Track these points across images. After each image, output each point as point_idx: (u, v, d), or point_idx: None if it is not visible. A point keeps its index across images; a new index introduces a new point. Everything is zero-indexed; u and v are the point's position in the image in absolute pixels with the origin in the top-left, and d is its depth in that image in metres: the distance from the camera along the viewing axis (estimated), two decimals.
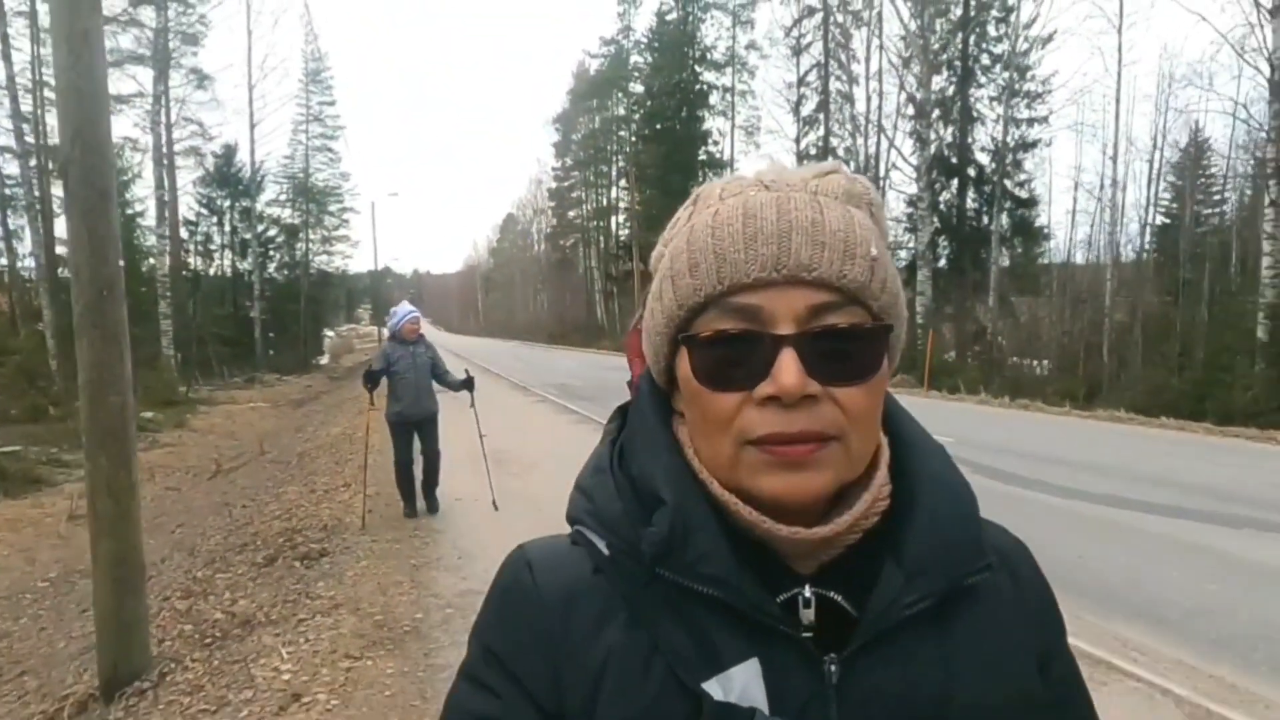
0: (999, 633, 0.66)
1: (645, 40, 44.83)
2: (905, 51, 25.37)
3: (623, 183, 49.78)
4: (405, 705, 3.58)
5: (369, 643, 4.25)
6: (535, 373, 24.80)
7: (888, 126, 27.95)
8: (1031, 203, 26.02)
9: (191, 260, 32.42)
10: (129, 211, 24.64)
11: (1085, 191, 29.64)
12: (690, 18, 41.71)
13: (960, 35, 25.07)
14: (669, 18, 42.26)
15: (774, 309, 0.59)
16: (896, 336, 0.65)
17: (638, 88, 46.20)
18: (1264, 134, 17.56)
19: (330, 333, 48.89)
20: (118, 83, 25.30)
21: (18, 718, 4.45)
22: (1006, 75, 24.86)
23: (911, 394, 16.99)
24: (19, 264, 23.52)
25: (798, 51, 31.94)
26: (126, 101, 26.17)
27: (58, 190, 23.07)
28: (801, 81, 31.94)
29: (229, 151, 32.55)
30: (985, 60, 25.62)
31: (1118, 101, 24.70)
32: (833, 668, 0.60)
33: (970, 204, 26.03)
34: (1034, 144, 25.43)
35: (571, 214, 59.96)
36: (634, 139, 46.09)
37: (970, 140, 25.73)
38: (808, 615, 0.62)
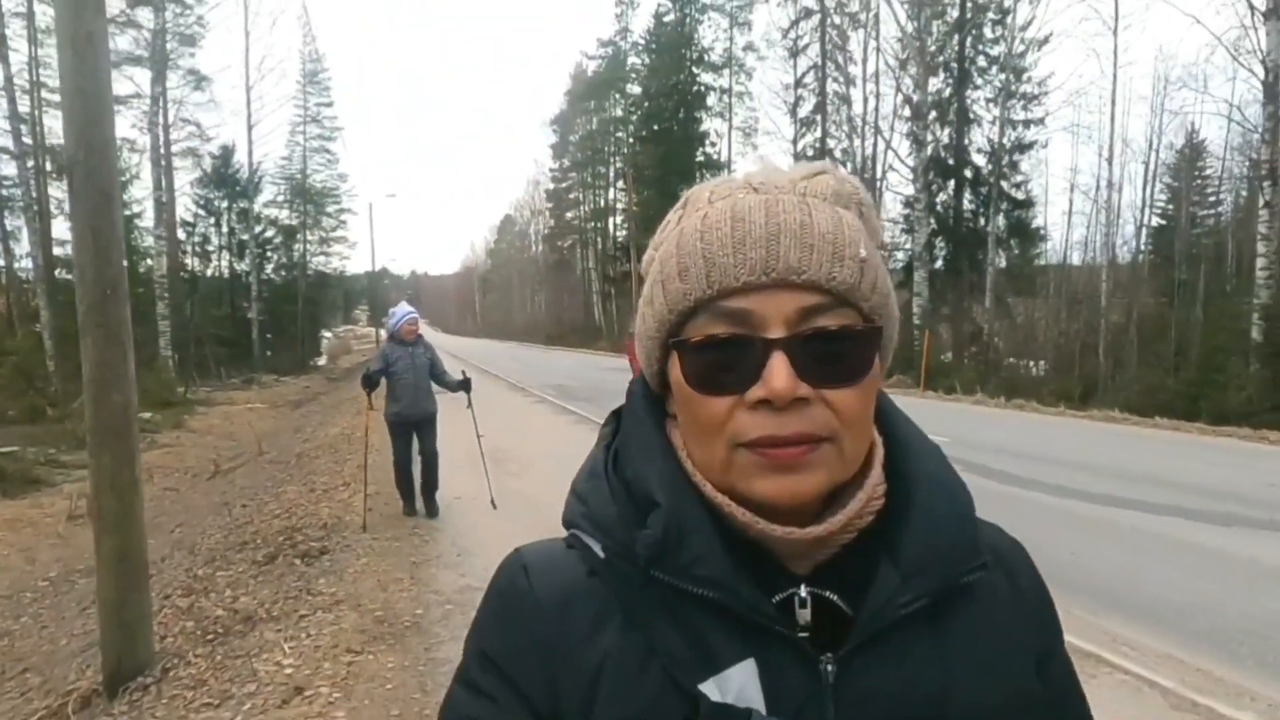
0: (995, 631, 0.66)
1: (643, 42, 44.95)
2: (902, 53, 25.47)
3: (620, 184, 49.86)
4: (406, 698, 3.63)
5: (370, 638, 4.31)
6: (533, 374, 24.84)
7: (885, 128, 28.08)
8: (1028, 204, 26.09)
9: (189, 261, 32.38)
10: (127, 213, 24.65)
11: (1081, 193, 29.84)
12: (688, 19, 41.81)
13: (957, 37, 25.12)
14: (666, 19, 42.36)
15: (764, 312, 0.60)
16: (888, 337, 0.66)
17: (635, 89, 46.29)
18: (1258, 136, 17.66)
19: (328, 334, 48.86)
20: (115, 84, 24.95)
21: (21, 714, 4.49)
22: (1003, 77, 24.92)
23: (908, 394, 17.07)
24: (16, 265, 23.52)
25: (795, 53, 32.03)
26: (124, 102, 26.17)
27: (55, 191, 23.11)
28: (799, 83, 32.03)
29: (226, 152, 32.54)
30: (982, 62, 25.68)
31: (1113, 103, 24.91)
32: (829, 667, 0.61)
33: (967, 205, 26.08)
34: (1030, 145, 25.51)
35: (569, 215, 60.03)
36: (631, 140, 46.15)
37: (967, 142, 25.78)
38: (804, 615, 0.62)
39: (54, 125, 23.54)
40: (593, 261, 54.40)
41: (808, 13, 31.15)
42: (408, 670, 3.93)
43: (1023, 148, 25.46)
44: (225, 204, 33.05)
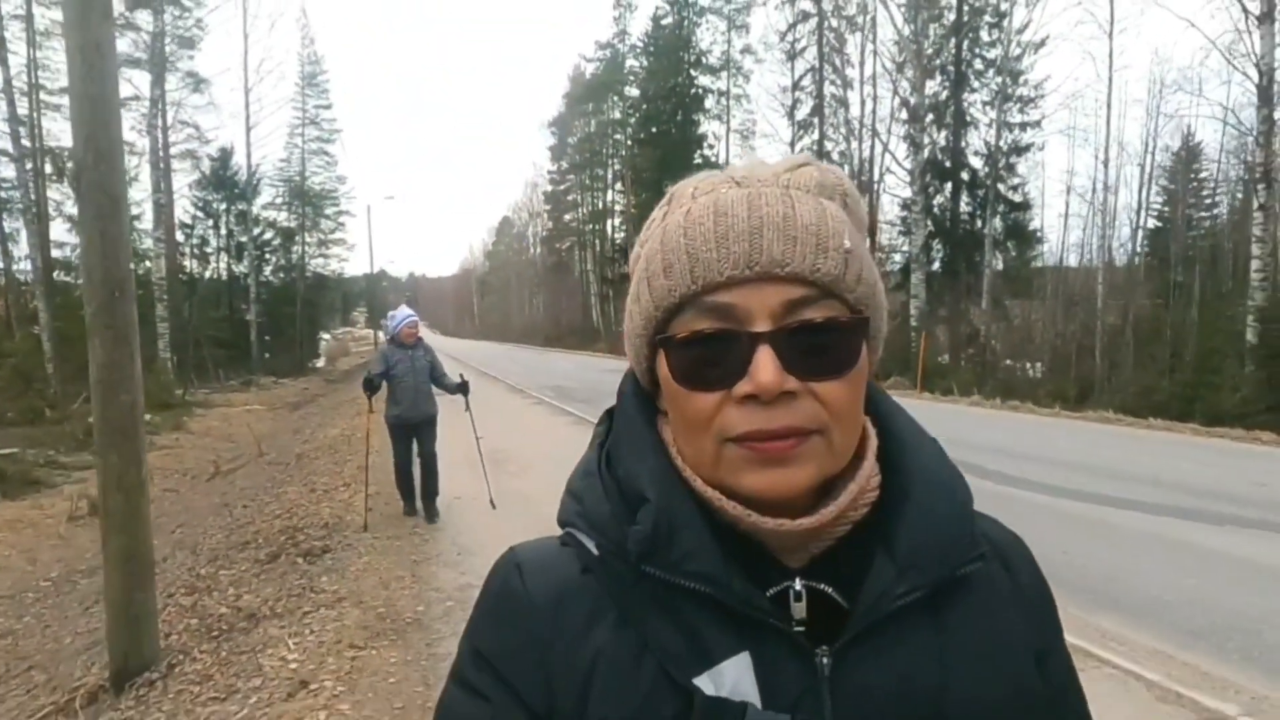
0: (993, 623, 0.66)
1: (641, 44, 45.09)
2: (899, 56, 25.59)
3: (618, 186, 49.97)
4: (409, 692, 3.71)
5: (372, 634, 4.39)
6: (531, 375, 24.90)
7: (882, 130, 28.17)
8: (1025, 206, 26.21)
9: (187, 263, 32.38)
10: None
11: (1077, 196, 29.96)
12: (685, 22, 41.92)
13: (953, 40, 25.23)
14: (664, 22, 42.49)
15: (749, 306, 0.59)
16: (875, 327, 0.65)
17: (633, 91, 46.41)
18: (1252, 139, 17.77)
19: (326, 336, 48.82)
20: None
21: (28, 710, 4.55)
22: (999, 80, 25.02)
23: (905, 395, 17.15)
24: (15, 267, 23.53)
25: (792, 56, 32.15)
26: (123, 105, 25.86)
27: (54, 193, 23.17)
28: (796, 86, 32.15)
29: (225, 155, 32.55)
30: (978, 65, 25.79)
31: (1109, 106, 24.98)
32: (825, 660, 0.60)
33: (964, 207, 26.18)
34: (1027, 148, 25.62)
35: (567, 217, 60.11)
36: (629, 142, 46.28)
37: (964, 144, 25.88)
38: (799, 609, 0.61)
39: (52, 127, 23.63)
40: (591, 263, 54.47)
41: (805, 16, 31.30)
42: (410, 665, 4.00)
43: (1019, 150, 25.59)
44: (224, 206, 33.06)
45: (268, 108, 61.18)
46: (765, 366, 0.58)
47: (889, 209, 27.89)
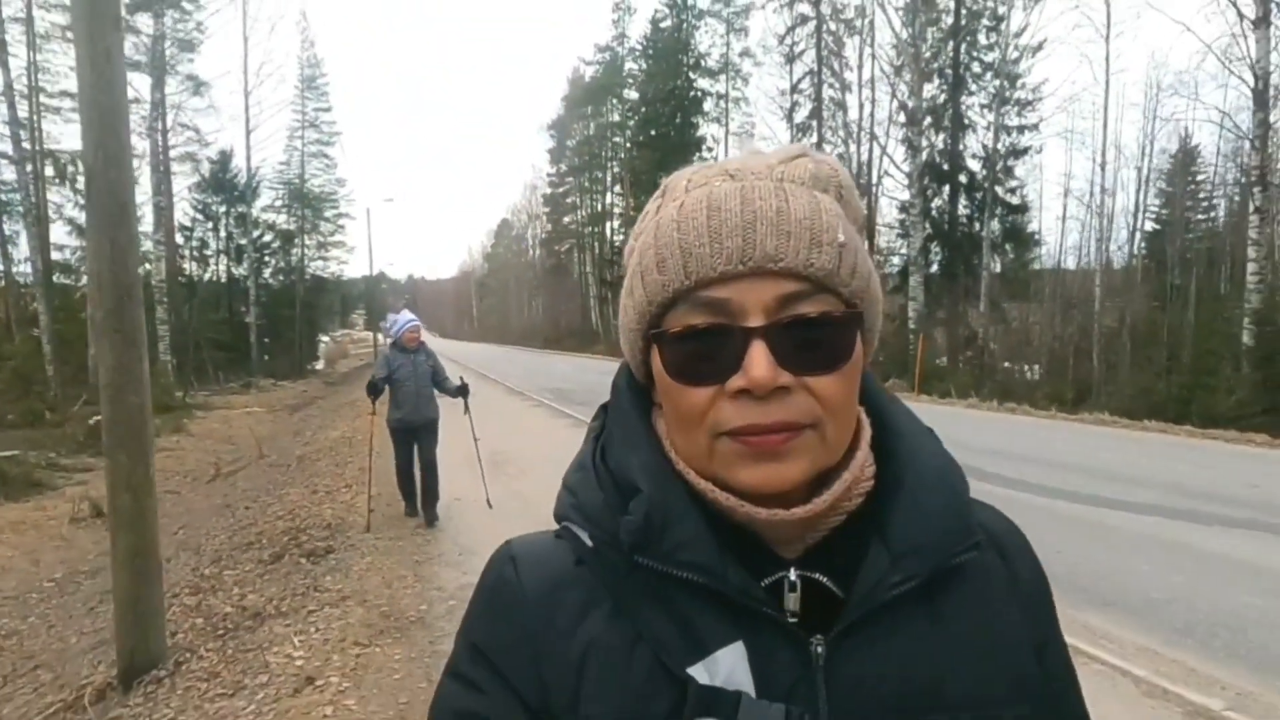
0: (990, 612, 0.65)
1: (640, 47, 45.26)
2: (897, 59, 25.70)
3: (617, 188, 50.09)
4: (413, 687, 3.79)
5: (377, 631, 4.47)
6: (531, 377, 24.97)
7: (880, 133, 28.35)
8: (1022, 209, 26.29)
9: (187, 266, 32.44)
10: None
11: (1075, 198, 30.08)
12: (685, 25, 42.08)
13: (951, 44, 25.34)
14: (663, 25, 42.65)
15: (742, 301, 0.59)
16: (870, 320, 0.65)
17: (632, 94, 46.53)
18: (1248, 142, 17.86)
19: (325, 338, 48.88)
20: None
21: (37, 708, 4.62)
22: (997, 83, 25.13)
23: (902, 398, 17.15)
24: (15, 269, 23.58)
25: (791, 59, 32.27)
26: None
27: (54, 196, 23.24)
28: (795, 89, 32.28)
29: (225, 157, 32.60)
30: (976, 68, 25.89)
31: (1106, 109, 25.09)
32: (819, 649, 0.60)
33: (962, 210, 26.26)
34: (1025, 151, 25.73)
35: (566, 219, 60.23)
36: (629, 145, 46.42)
37: (961, 147, 25.98)
38: (793, 599, 0.62)
39: (52, 130, 23.74)
40: (590, 266, 54.57)
41: (803, 19, 31.42)
42: (414, 662, 4.08)
43: (1017, 153, 25.68)
44: (223, 209, 33.11)
45: (267, 110, 61.20)
46: (759, 361, 0.58)
47: (887, 212, 28.05)
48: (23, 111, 22.32)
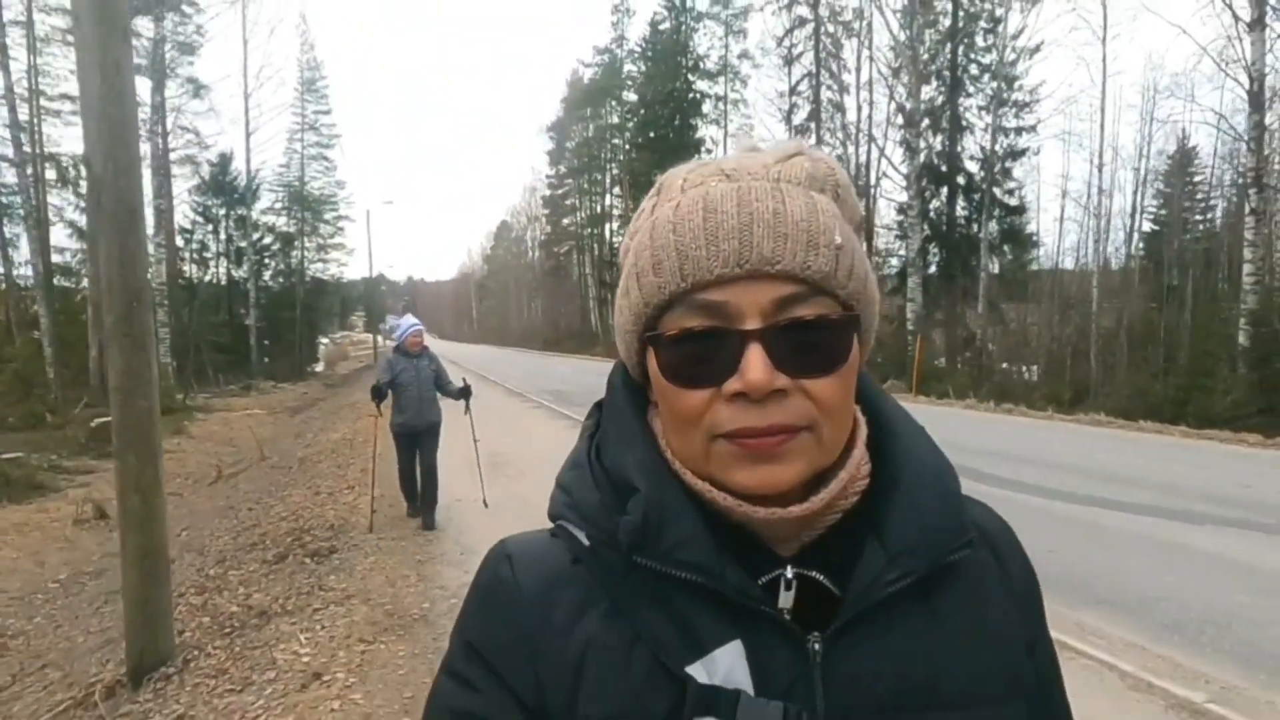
0: (984, 609, 0.66)
1: (639, 49, 45.40)
2: (895, 62, 25.78)
3: (616, 190, 50.21)
4: (418, 682, 3.88)
5: (381, 629, 4.56)
6: (530, 379, 25.04)
7: (878, 135, 28.47)
8: (1020, 210, 26.38)
9: (187, 268, 32.45)
10: None
11: (1073, 200, 30.17)
12: (683, 27, 42.20)
13: (949, 46, 25.44)
14: (662, 27, 42.77)
15: (739, 304, 0.59)
16: (867, 321, 0.65)
17: (631, 96, 46.64)
18: (1244, 144, 17.94)
19: (325, 340, 48.92)
20: None
21: (47, 705, 4.69)
22: (994, 85, 25.23)
23: (899, 399, 17.17)
24: (15, 272, 23.62)
25: (789, 61, 32.38)
26: None
27: (54, 199, 23.27)
28: (793, 91, 32.39)
29: (224, 160, 32.58)
30: (974, 70, 25.99)
31: (1103, 111, 25.24)
32: (816, 646, 0.61)
33: (960, 211, 26.35)
34: (1022, 152, 25.81)
35: (566, 221, 60.32)
36: (628, 147, 46.52)
37: (959, 149, 26.07)
38: (789, 597, 0.62)
39: (52, 133, 23.73)
40: (589, 267, 54.66)
41: (802, 21, 31.52)
42: (418, 658, 4.17)
43: (1015, 155, 25.77)
44: (223, 211, 33.11)
45: (267, 113, 61.51)
46: (755, 364, 0.58)
47: (885, 213, 28.13)
48: (23, 115, 22.41)
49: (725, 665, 0.59)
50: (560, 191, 60.81)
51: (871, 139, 28.74)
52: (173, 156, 29.29)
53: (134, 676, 4.37)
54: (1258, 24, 16.35)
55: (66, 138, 24.34)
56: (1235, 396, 15.16)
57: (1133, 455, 10.27)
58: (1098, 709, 3.51)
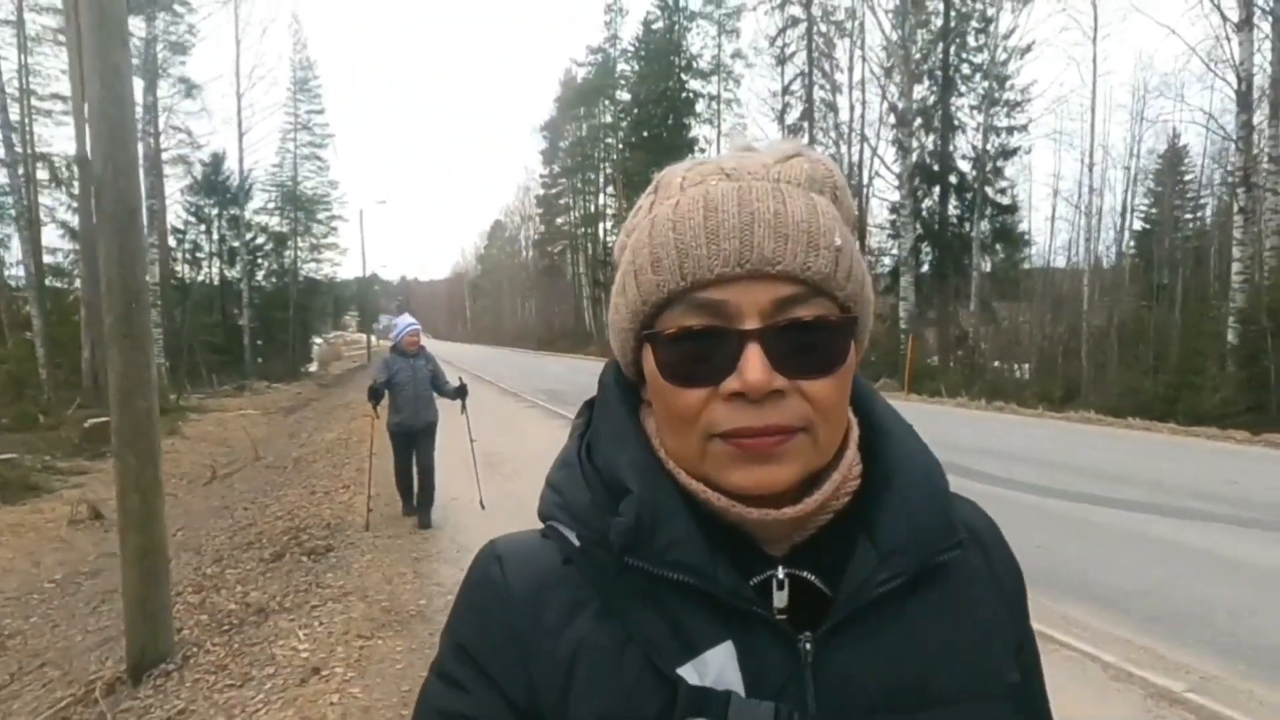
0: (974, 608, 0.66)
1: (632, 49, 45.47)
2: (887, 61, 25.95)
3: (610, 190, 50.23)
4: (415, 677, 3.94)
5: (378, 625, 4.63)
6: (525, 379, 25.08)
7: (870, 135, 28.56)
8: (1012, 209, 26.53)
9: (180, 268, 32.41)
10: None
11: (1064, 199, 30.32)
12: (676, 27, 42.31)
13: (941, 45, 25.57)
14: (655, 27, 42.88)
15: (738, 303, 0.59)
16: (863, 322, 0.65)
17: (624, 95, 46.76)
18: (1233, 143, 18.09)
19: (318, 340, 48.88)
20: None
21: (47, 703, 4.74)
22: (986, 85, 25.37)
23: (892, 397, 17.38)
24: (7, 273, 23.56)
25: (782, 61, 32.48)
26: None
27: (46, 199, 23.21)
28: (786, 90, 32.50)
29: (217, 160, 32.57)
30: (965, 70, 26.13)
31: (1093, 111, 25.53)
32: (807, 646, 0.60)
33: (952, 210, 26.50)
34: (1014, 152, 25.97)
35: (559, 221, 60.33)
36: (621, 146, 46.63)
37: (951, 148, 26.22)
38: (781, 597, 0.62)
39: (43, 133, 23.69)
40: (583, 267, 54.70)
41: (794, 21, 31.61)
42: (415, 653, 4.24)
43: (1006, 154, 25.91)
44: (216, 211, 33.09)
45: (260, 113, 61.34)
46: (754, 365, 0.57)
47: (878, 212, 28.28)
48: (14, 114, 22.34)
49: (717, 666, 0.59)
50: (554, 191, 60.82)
51: (864, 138, 28.88)
52: (165, 156, 29.30)
53: (134, 673, 4.42)
54: (1246, 24, 16.49)
55: (58, 137, 24.34)
56: (1224, 394, 15.29)
57: (1122, 452, 10.38)
58: (1080, 698, 3.60)
